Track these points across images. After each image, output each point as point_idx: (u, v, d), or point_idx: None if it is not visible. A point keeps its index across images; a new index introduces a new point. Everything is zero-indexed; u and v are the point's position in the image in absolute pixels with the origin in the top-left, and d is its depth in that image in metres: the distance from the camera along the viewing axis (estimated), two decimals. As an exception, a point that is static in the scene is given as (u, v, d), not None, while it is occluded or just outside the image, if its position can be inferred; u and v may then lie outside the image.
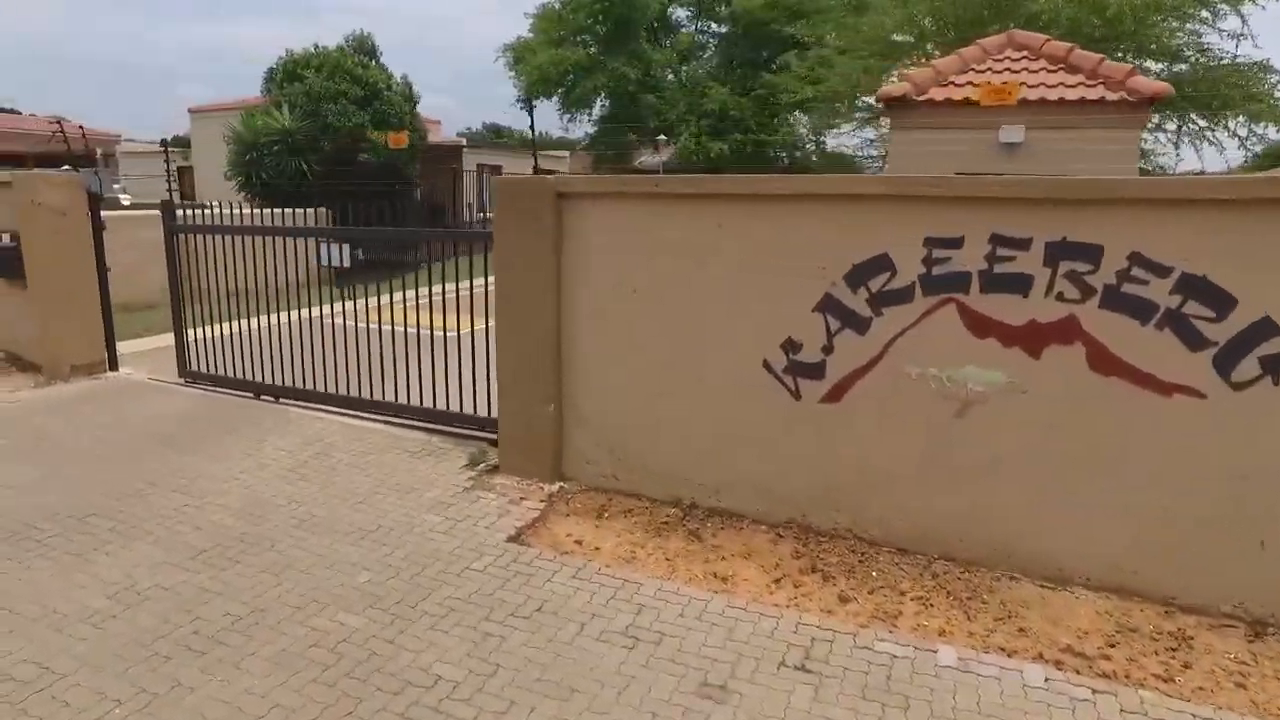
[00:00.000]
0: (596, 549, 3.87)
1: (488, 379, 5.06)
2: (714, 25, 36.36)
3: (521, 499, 4.35)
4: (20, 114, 32.78)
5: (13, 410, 5.73)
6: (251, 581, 3.39)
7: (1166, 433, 3.30)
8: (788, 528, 4.09)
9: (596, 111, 34.50)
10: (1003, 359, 3.57)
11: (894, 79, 9.69)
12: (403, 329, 5.59)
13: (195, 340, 6.36)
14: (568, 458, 4.60)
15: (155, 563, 3.54)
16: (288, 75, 12.46)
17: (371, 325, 5.75)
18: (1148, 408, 3.33)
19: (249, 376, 6.09)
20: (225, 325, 6.20)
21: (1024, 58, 8.19)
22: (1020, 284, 3.50)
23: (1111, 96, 7.36)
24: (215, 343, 6.28)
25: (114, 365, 6.82)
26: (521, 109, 36.13)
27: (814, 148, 37.25)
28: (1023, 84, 7.42)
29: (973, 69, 8.19)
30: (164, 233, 6.15)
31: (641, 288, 4.20)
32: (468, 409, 5.22)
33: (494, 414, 5.13)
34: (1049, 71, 7.85)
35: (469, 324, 5.31)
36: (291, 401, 5.92)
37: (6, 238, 6.55)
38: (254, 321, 6.07)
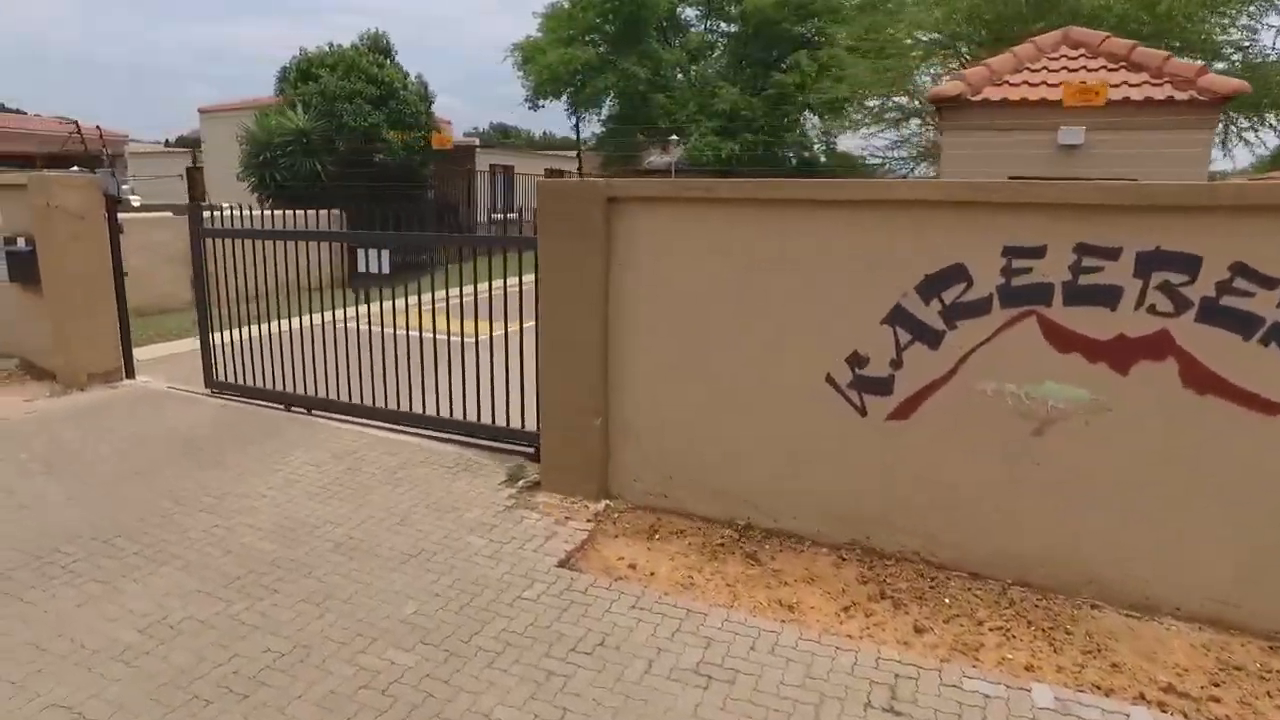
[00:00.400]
0: (652, 574, 3.66)
1: (521, 389, 4.86)
2: (723, 25, 36.17)
3: (567, 519, 4.14)
4: (25, 114, 32.72)
5: (30, 421, 5.53)
6: (291, 613, 3.18)
7: (1274, 455, 3.08)
8: (850, 550, 3.89)
9: (605, 111, 34.25)
10: (1087, 375, 3.36)
11: (932, 78, 9.43)
12: (426, 334, 5.38)
13: (218, 347, 6.14)
14: (614, 475, 4.39)
15: (187, 591, 3.33)
16: (302, 74, 12.23)
17: (392, 330, 5.53)
18: (1252, 428, 3.11)
19: (275, 385, 5.88)
20: (246, 330, 5.99)
21: (1082, 55, 7.89)
22: (1108, 296, 3.29)
23: (1181, 96, 7.08)
24: (238, 350, 6.07)
25: (131, 373, 6.62)
26: (530, 109, 35.82)
27: (823, 148, 37.07)
28: (1082, 83, 7.17)
29: (1027, 67, 7.90)
30: (191, 236, 5.94)
31: (696, 297, 3.99)
32: (499, 419, 5.01)
33: (530, 427, 4.93)
34: (1109, 70, 7.54)
35: (492, 329, 5.13)
36: (320, 414, 5.71)
37: (21, 242, 6.35)
38: (274, 327, 5.86)
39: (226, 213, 6.00)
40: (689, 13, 36.05)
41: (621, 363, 4.25)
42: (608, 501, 4.38)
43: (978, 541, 3.64)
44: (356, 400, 5.55)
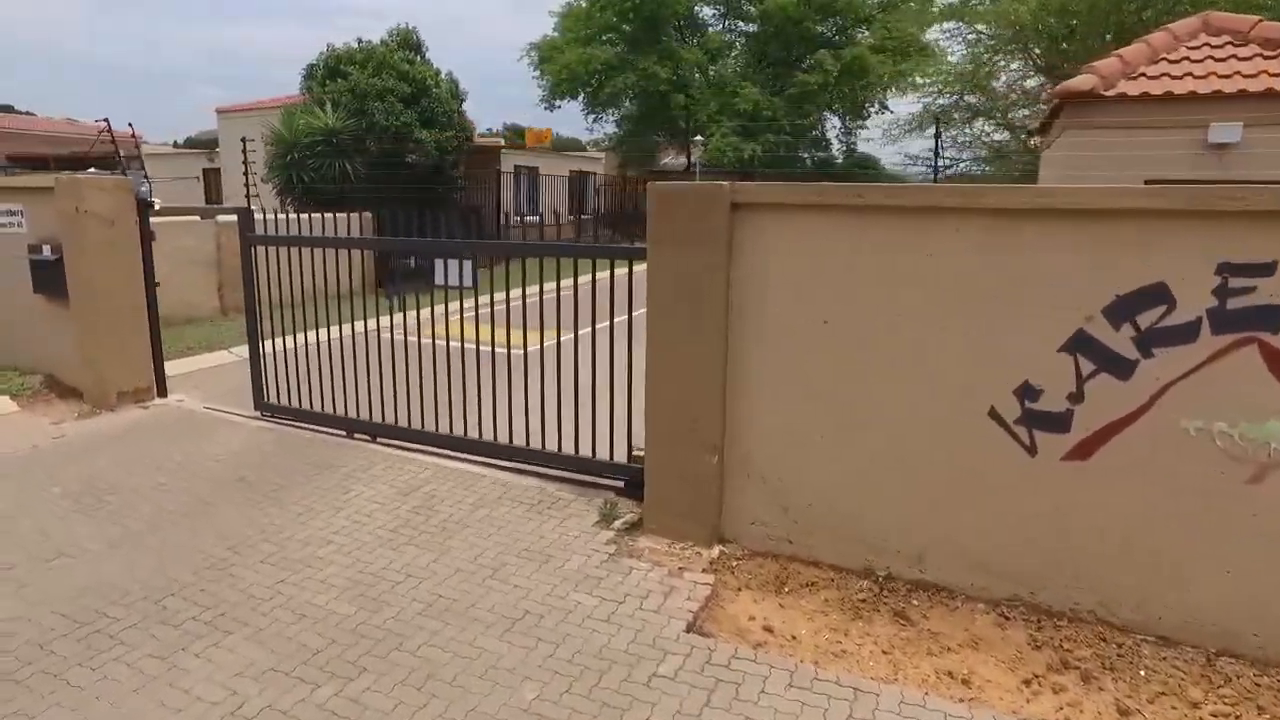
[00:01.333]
0: (793, 638, 3.15)
1: (592, 410, 4.37)
2: (740, 24, 35.65)
3: (680, 569, 3.63)
4: (33, 115, 32.28)
5: (59, 449, 5.04)
6: (390, 700, 2.67)
7: None
8: (1012, 607, 3.37)
9: (623, 111, 33.68)
10: (1322, 414, 2.84)
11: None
12: (471, 345, 4.87)
13: (250, 360, 5.64)
14: (728, 516, 3.89)
15: (261, 670, 2.82)
16: (330, 72, 11.73)
17: (442, 341, 5.01)
18: None
19: (327, 407, 5.38)
20: (288, 342, 5.49)
21: (1227, 43, 7.27)
22: (1355, 321, 2.77)
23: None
24: (284, 365, 5.57)
25: (163, 391, 6.13)
26: (546, 109, 35.30)
27: (843, 149, 36.54)
28: (1236, 73, 6.59)
29: (1165, 58, 7.21)
30: (241, 244, 5.43)
31: (834, 318, 3.48)
32: (570, 442, 4.50)
33: (618, 457, 4.44)
34: (1265, 58, 6.93)
35: (543, 338, 4.63)
36: (384, 441, 5.20)
37: (47, 249, 5.86)
38: (313, 338, 5.37)
39: (269, 217, 5.50)
40: (706, 12, 35.57)
41: (743, 391, 3.74)
42: (721, 547, 3.87)
43: (1171, 602, 3.12)
44: (418, 425, 5.04)
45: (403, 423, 5.07)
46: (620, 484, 4.47)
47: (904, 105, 66.67)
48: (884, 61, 31.01)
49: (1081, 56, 8.12)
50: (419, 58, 12.24)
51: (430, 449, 4.98)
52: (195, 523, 3.97)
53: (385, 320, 5.33)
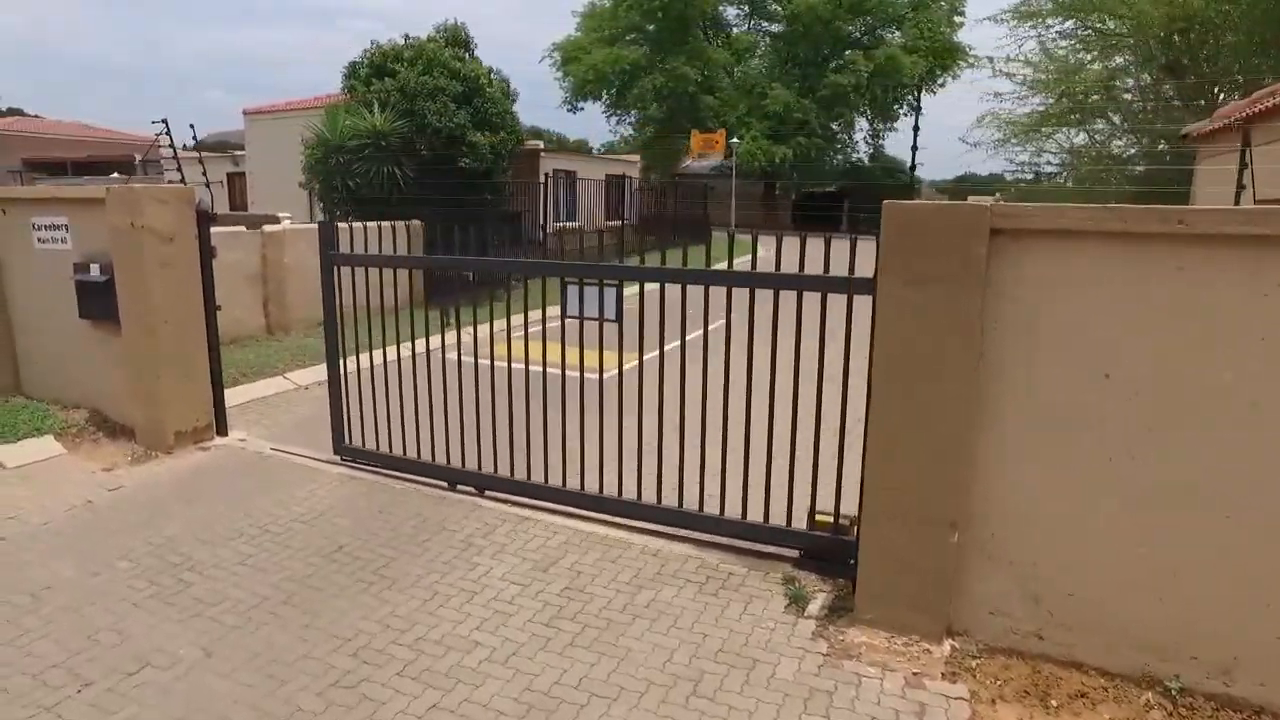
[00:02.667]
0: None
1: (723, 451, 3.65)
2: (764, 24, 34.92)
3: (918, 676, 2.89)
4: (41, 118, 31.64)
5: (118, 506, 4.30)
6: None
7: None
8: (1367, 742, 2.62)
9: (649, 112, 32.93)
10: None
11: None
12: (536, 366, 4.16)
13: (307, 388, 4.89)
14: (960, 603, 3.14)
15: None
16: (376, 70, 11.00)
17: (505, 363, 4.29)
18: None
19: (418, 452, 4.64)
20: (356, 370, 4.76)
21: None
22: None
23: None
24: (353, 395, 4.83)
25: (223, 429, 5.39)
26: (569, 111, 34.57)
27: (870, 152, 35.81)
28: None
29: None
30: (321, 263, 4.69)
31: (1125, 372, 2.74)
32: (709, 494, 3.77)
33: (796, 524, 3.70)
34: None
35: (622, 358, 3.88)
36: (493, 495, 4.46)
37: (95, 269, 5.13)
38: (373, 360, 4.66)
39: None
40: (730, 12, 34.88)
41: (992, 457, 2.99)
42: (952, 641, 3.13)
43: None
44: (535, 476, 4.30)
45: (509, 469, 4.33)
46: (796, 554, 3.74)
47: (935, 106, 65.79)
48: (916, 62, 30.30)
49: (1217, 56, 7.38)
50: (468, 55, 11.52)
51: (549, 505, 4.24)
52: (301, 614, 3.22)
53: (451, 339, 4.59)
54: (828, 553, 3.68)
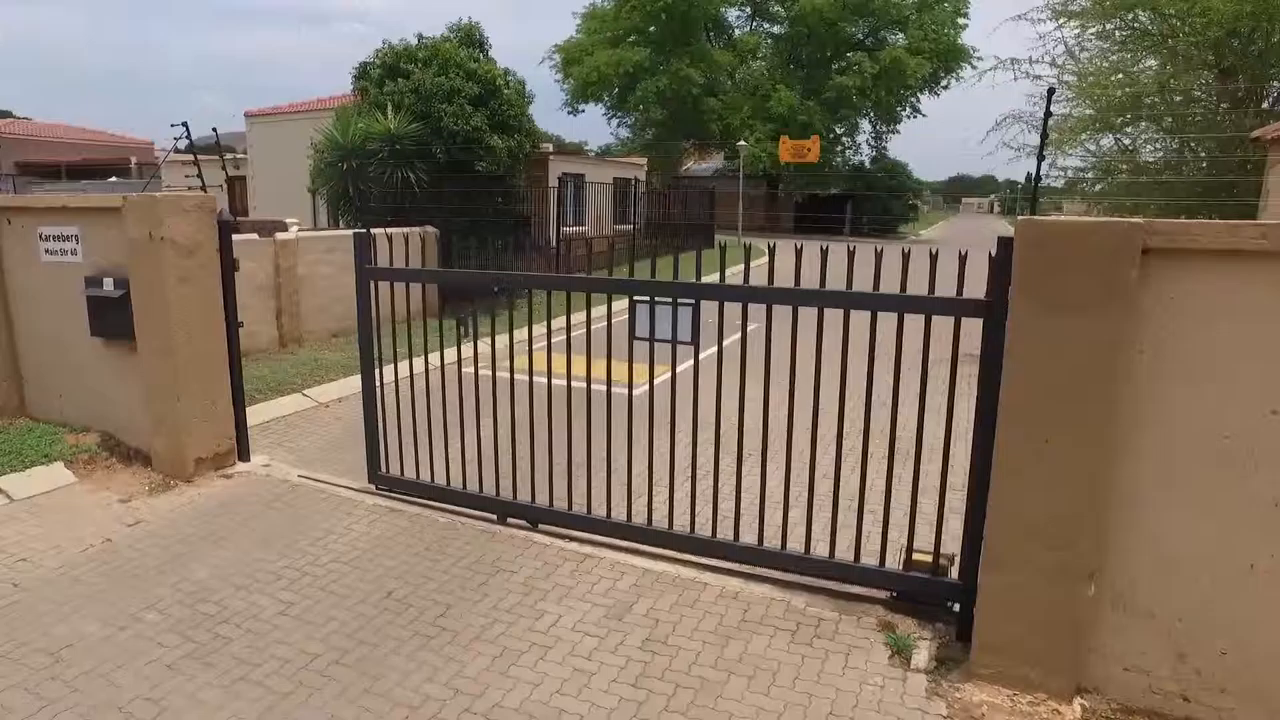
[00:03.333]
0: None
1: (810, 482, 3.35)
2: (765, 25, 34.68)
3: (1055, 748, 2.57)
4: (31, 120, 31.05)
5: (140, 545, 3.94)
6: None
7: None
8: None
9: (652, 115, 32.61)
10: None
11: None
12: (571, 382, 3.82)
13: (327, 405, 4.55)
14: (1093, 658, 2.84)
15: None
16: (388, 71, 10.61)
17: (524, 376, 3.95)
18: None
19: (463, 481, 4.30)
20: (393, 384, 4.43)
21: None
22: None
23: None
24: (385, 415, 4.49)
25: (245, 453, 5.04)
26: (569, 113, 34.16)
27: (874, 154, 35.58)
28: None
29: None
30: (357, 278, 4.35)
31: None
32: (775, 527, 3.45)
33: (889, 563, 3.40)
34: None
35: (652, 372, 3.57)
36: (547, 529, 4.13)
37: (109, 283, 4.77)
38: (396, 375, 4.33)
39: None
40: (731, 14, 34.60)
41: (1136, 501, 2.69)
42: (1081, 700, 2.83)
43: None
44: (593, 508, 3.98)
45: (566, 499, 4.00)
46: (888, 596, 3.43)
47: (936, 109, 65.33)
48: (921, 64, 30.11)
49: (1266, 54, 7.12)
50: (482, 55, 11.16)
51: (608, 539, 3.92)
52: (359, 677, 2.88)
53: (471, 351, 4.27)
54: (924, 595, 3.37)
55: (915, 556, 3.40)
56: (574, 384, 4.05)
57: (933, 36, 30.42)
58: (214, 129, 9.05)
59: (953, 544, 3.29)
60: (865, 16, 31.28)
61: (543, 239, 13.65)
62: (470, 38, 11.33)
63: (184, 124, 9.01)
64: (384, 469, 4.55)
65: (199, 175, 9.14)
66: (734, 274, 3.58)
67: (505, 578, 3.62)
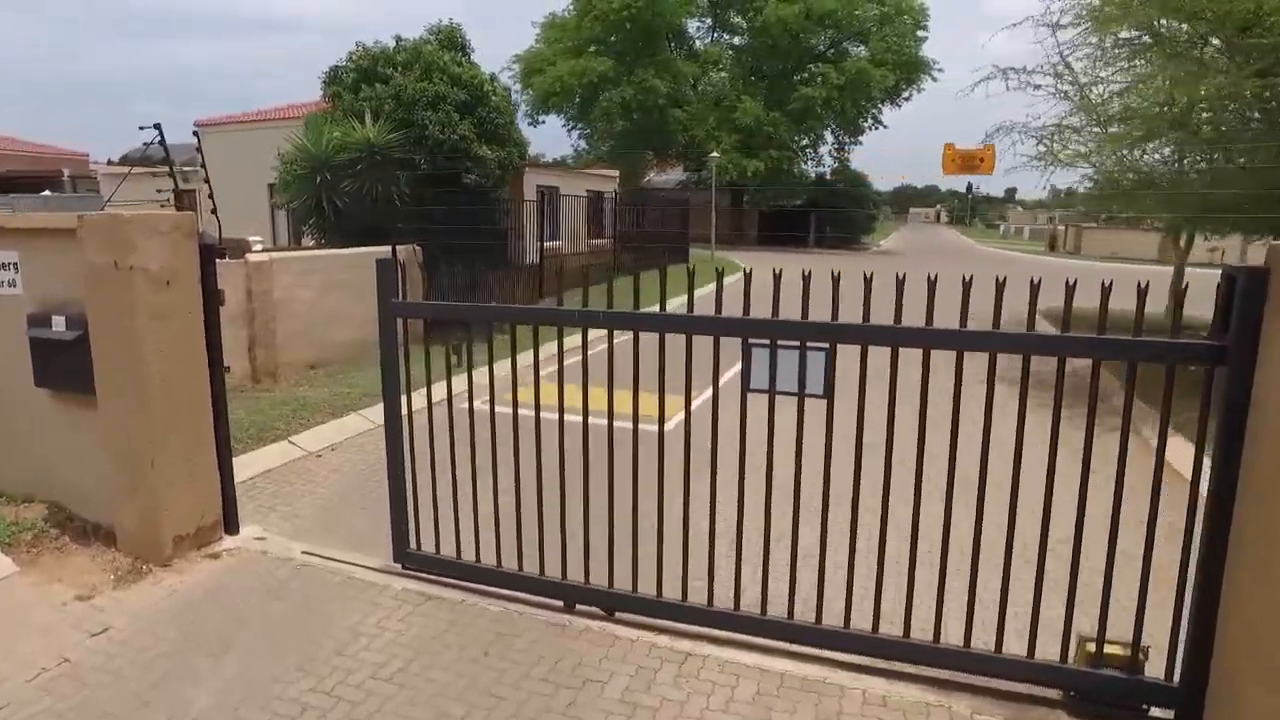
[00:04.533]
0: None
1: (974, 566, 2.74)
2: (727, 36, 34.51)
3: None
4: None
5: (111, 666, 3.06)
6: None
7: None
8: None
9: (616, 126, 31.99)
10: None
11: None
12: (572, 414, 3.13)
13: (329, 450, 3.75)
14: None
15: None
16: (363, 75, 9.70)
17: (546, 413, 3.25)
18: None
19: (518, 561, 3.53)
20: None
21: None
22: None
23: None
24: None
25: (233, 523, 4.17)
26: (530, 124, 33.27)
27: (835, 164, 35.64)
28: None
29: None
30: (380, 315, 3.55)
31: None
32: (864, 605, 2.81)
33: (1065, 656, 2.78)
34: None
35: (688, 404, 2.93)
36: (607, 614, 3.40)
37: (60, 322, 3.88)
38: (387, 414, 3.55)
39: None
40: (691, 25, 34.34)
41: None
42: None
43: None
44: (684, 592, 3.26)
45: (653, 581, 3.28)
46: (1061, 694, 2.81)
47: (897, 120, 66.17)
48: (885, 75, 30.28)
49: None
50: (466, 59, 10.35)
51: (706, 629, 3.22)
52: None
53: (473, 383, 3.50)
54: (1117, 697, 2.77)
55: (1106, 650, 2.80)
56: (607, 421, 3.32)
57: (895, 49, 30.66)
58: (158, 139, 7.97)
59: (1149, 634, 2.70)
60: (828, 28, 31.35)
61: (522, 256, 12.85)
62: (452, 41, 10.50)
63: (156, 125, 7.91)
64: (414, 545, 3.75)
65: (174, 187, 8.08)
66: (704, 295, 2.92)
67: (595, 691, 2.88)
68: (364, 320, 8.92)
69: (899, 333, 2.75)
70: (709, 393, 3.05)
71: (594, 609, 3.42)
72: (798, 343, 2.90)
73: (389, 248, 8.61)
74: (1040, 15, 10.64)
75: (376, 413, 6.74)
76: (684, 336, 3.06)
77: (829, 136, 34.56)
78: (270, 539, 4.18)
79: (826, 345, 2.87)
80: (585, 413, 3.25)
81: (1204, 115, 8.05)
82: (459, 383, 3.48)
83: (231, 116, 16.43)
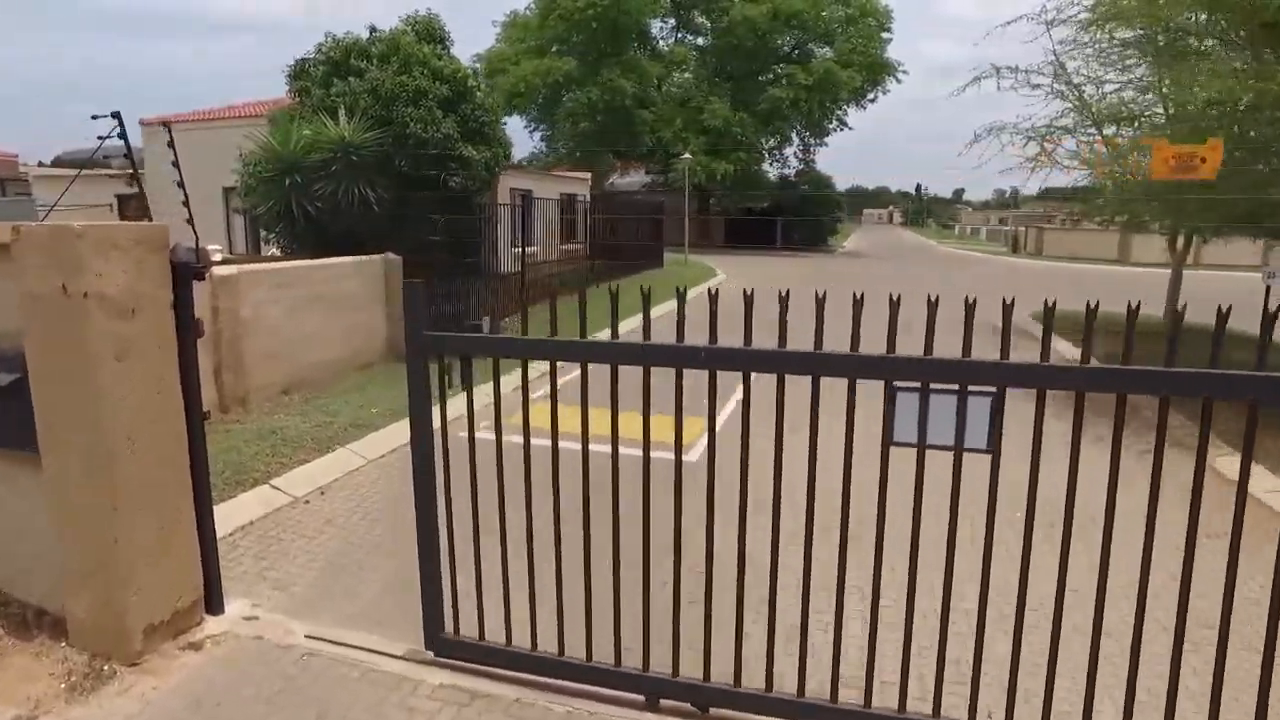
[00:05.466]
0: None
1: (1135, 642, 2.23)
2: (690, 37, 34.08)
3: None
4: None
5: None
6: None
7: None
8: None
9: (581, 127, 31.22)
10: None
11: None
12: (576, 440, 2.56)
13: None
14: None
15: None
16: (335, 68, 8.83)
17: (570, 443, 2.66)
18: None
19: (560, 644, 2.88)
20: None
21: None
22: None
23: None
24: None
25: (217, 603, 3.43)
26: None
27: (800, 166, 35.50)
28: None
29: None
30: (409, 347, 2.86)
31: None
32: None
33: None
34: None
35: (712, 429, 2.40)
36: (701, 712, 2.78)
37: (-9, 363, 3.09)
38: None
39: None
40: (654, 26, 33.82)
41: None
42: None
43: None
44: (801, 684, 2.66)
45: (762, 669, 2.67)
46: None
47: (862, 122, 66.51)
48: (852, 76, 30.22)
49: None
50: (447, 52, 9.56)
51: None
52: None
53: (475, 408, 2.87)
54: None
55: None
56: (639, 453, 2.70)
57: (861, 50, 30.66)
58: (118, 131, 7.04)
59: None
60: (795, 29, 31.19)
61: (498, 264, 12.09)
62: (430, 32, 9.71)
63: (115, 114, 6.90)
64: (450, 629, 3.07)
65: (138, 187, 7.12)
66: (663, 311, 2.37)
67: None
68: (341, 338, 8.14)
69: (1042, 372, 2.22)
70: (806, 447, 2.46)
71: (686, 704, 2.79)
72: (956, 386, 2.32)
73: (370, 257, 7.84)
74: (1037, 14, 10.40)
75: (366, 446, 6.01)
76: (809, 377, 2.47)
77: (794, 138, 34.44)
78: (264, 618, 3.45)
79: (994, 389, 2.30)
80: (584, 445, 2.61)
81: (1255, 116, 7.81)
82: (462, 408, 2.83)
83: (181, 115, 15.23)
